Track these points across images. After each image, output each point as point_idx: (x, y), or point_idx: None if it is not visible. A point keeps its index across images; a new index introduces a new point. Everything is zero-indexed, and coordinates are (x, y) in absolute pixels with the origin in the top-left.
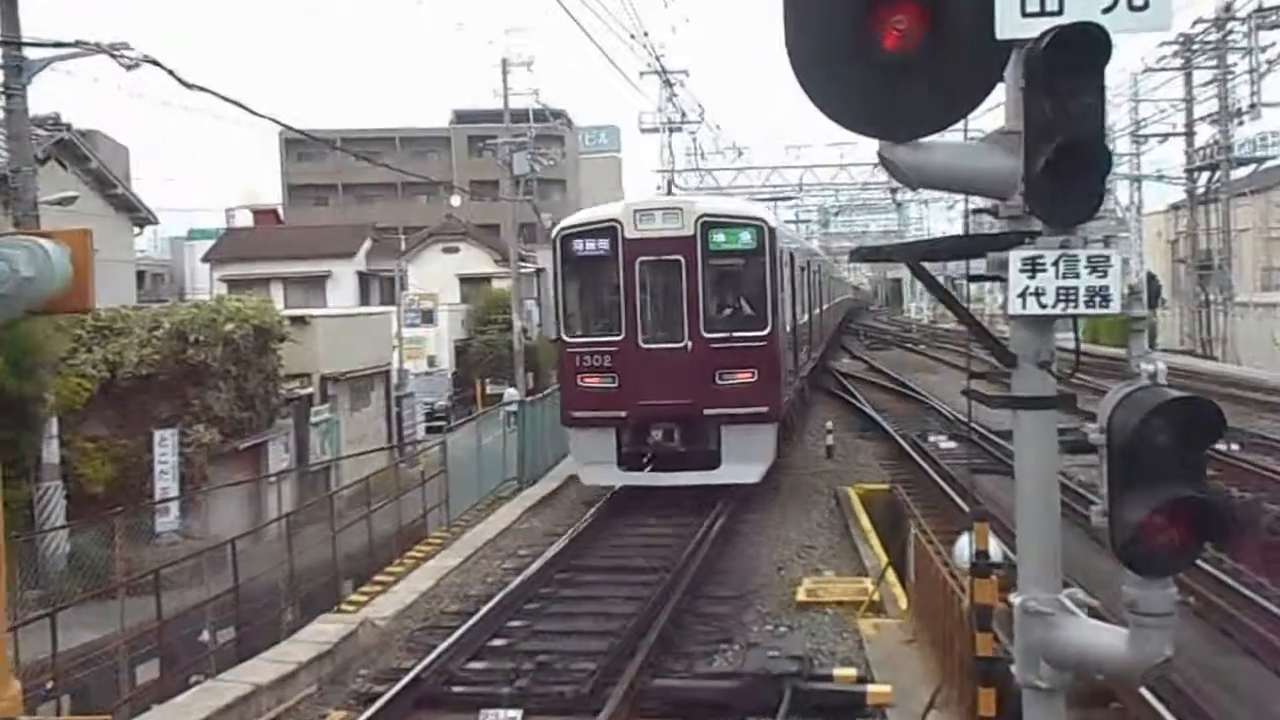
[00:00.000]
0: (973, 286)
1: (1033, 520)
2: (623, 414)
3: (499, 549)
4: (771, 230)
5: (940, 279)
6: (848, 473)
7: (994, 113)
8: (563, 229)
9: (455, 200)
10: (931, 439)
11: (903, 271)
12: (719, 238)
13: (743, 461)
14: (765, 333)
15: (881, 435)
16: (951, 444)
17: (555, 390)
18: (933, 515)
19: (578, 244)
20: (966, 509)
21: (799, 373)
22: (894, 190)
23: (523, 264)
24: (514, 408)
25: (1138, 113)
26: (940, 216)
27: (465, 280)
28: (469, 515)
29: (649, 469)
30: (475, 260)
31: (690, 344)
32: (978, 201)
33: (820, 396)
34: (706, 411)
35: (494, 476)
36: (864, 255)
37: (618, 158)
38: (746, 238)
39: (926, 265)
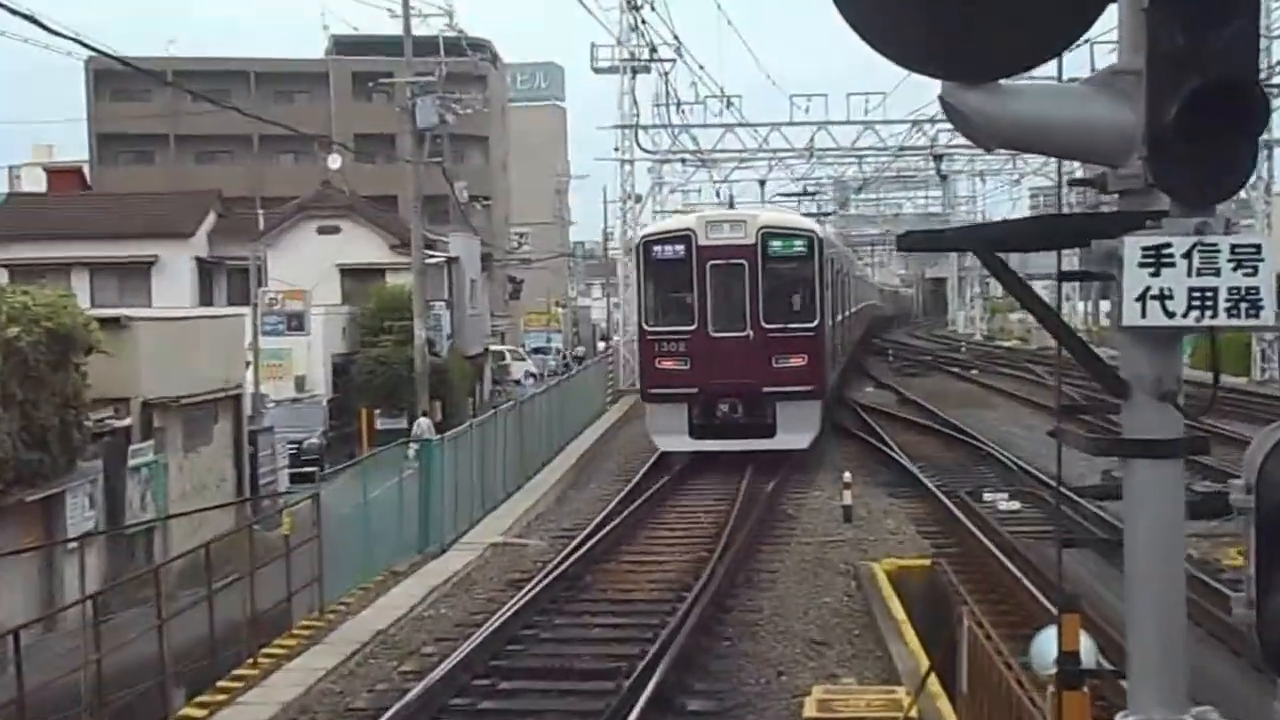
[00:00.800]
0: (1039, 290)
1: (1150, 610)
2: (695, 390)
3: (393, 645)
4: (821, 240)
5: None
6: (873, 543)
7: (1101, 47)
8: (645, 236)
9: (335, 161)
10: (988, 497)
11: (947, 269)
12: (776, 245)
13: (794, 431)
14: (814, 325)
15: (919, 492)
16: (1014, 504)
17: (475, 426)
18: (991, 602)
19: (657, 249)
20: (1040, 594)
21: (839, 360)
22: (938, 158)
23: (430, 252)
24: (431, 442)
25: (1270, 55)
26: (1001, 195)
27: (349, 273)
28: (352, 597)
29: (715, 438)
30: (363, 245)
31: (751, 333)
32: (1073, 169)
33: (832, 439)
34: (765, 389)
35: (387, 543)
36: (914, 243)
37: (560, 107)
38: (799, 245)
39: (1002, 257)
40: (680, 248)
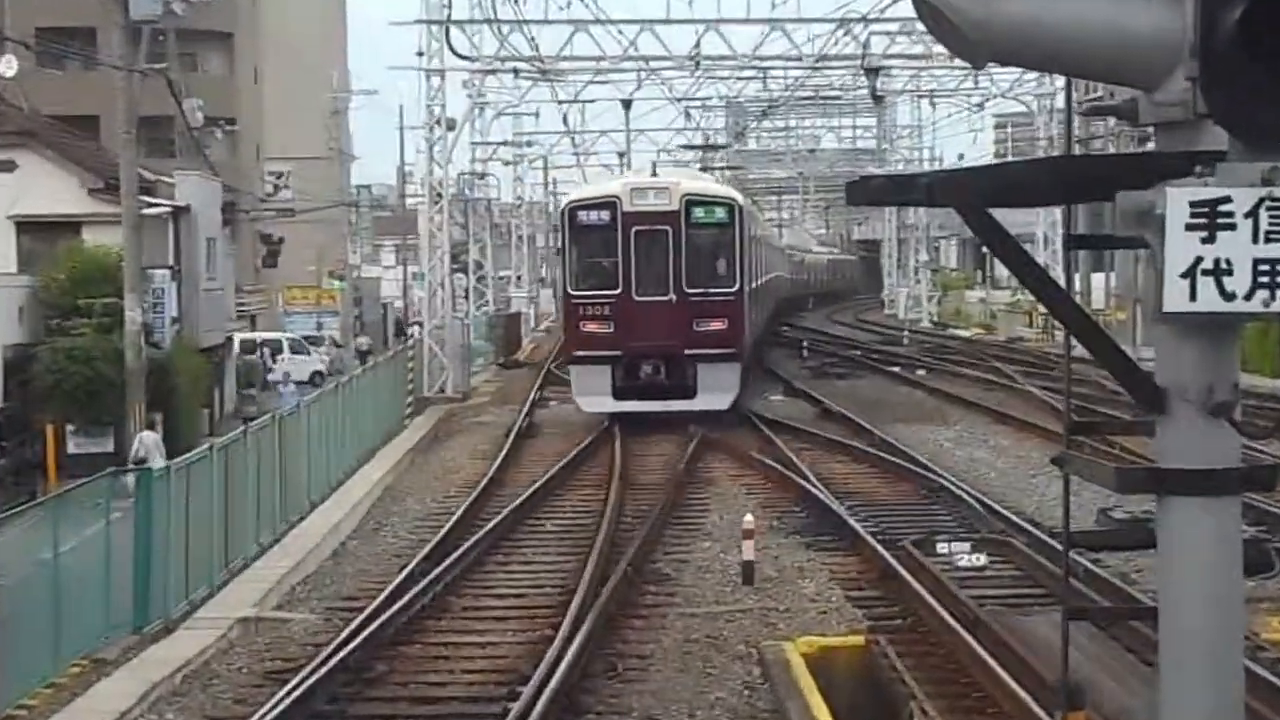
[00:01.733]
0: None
1: (1195, 706)
2: (618, 353)
3: None
4: (742, 208)
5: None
6: (785, 614)
7: None
8: (570, 202)
9: (6, 66)
10: (943, 549)
11: (879, 227)
12: (699, 212)
13: (715, 392)
14: (734, 290)
15: (847, 542)
16: (979, 558)
17: (216, 450)
18: (951, 696)
19: (582, 214)
20: (1018, 685)
21: (757, 325)
22: (871, 72)
23: (148, 199)
24: (150, 472)
25: None
26: (955, 125)
27: (28, 227)
28: (34, 699)
29: (637, 399)
30: (48, 188)
31: (674, 297)
32: (1089, 93)
33: (723, 461)
34: (686, 351)
35: (88, 619)
36: (871, 194)
37: None
38: (721, 213)
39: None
40: (605, 214)
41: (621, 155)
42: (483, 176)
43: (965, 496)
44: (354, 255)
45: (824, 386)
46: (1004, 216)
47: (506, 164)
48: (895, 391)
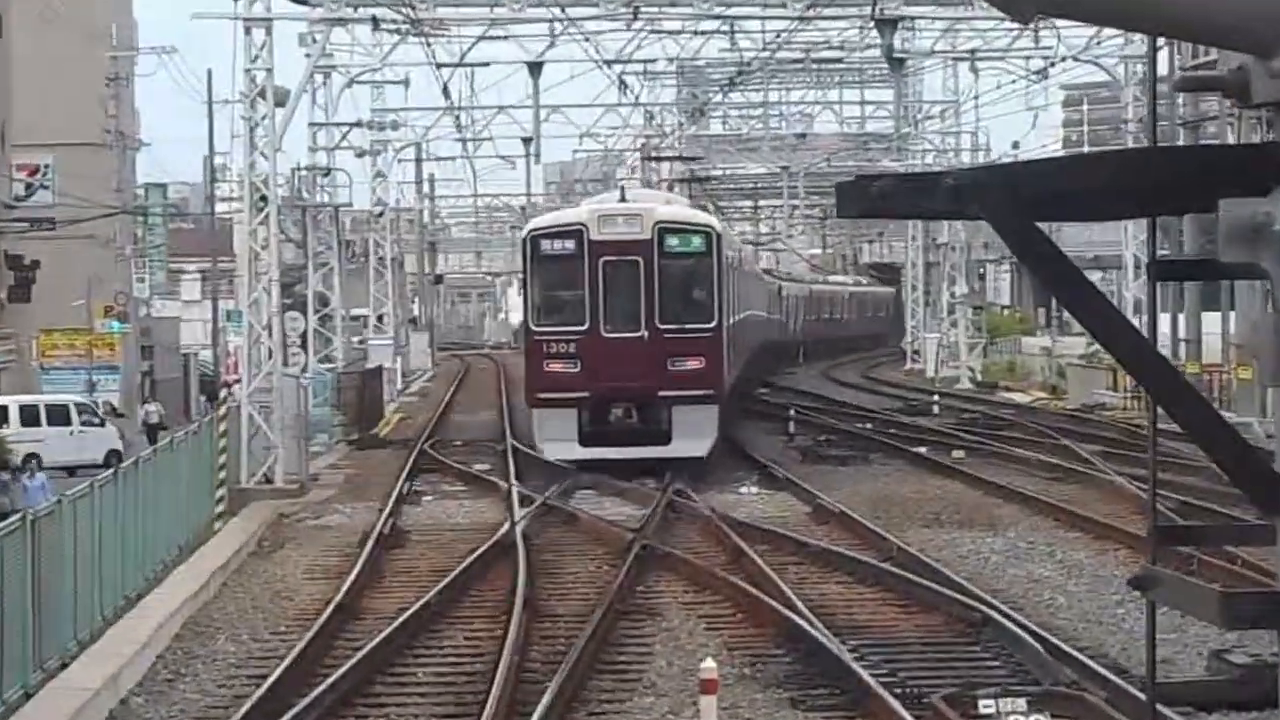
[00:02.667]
0: (1121, 296)
1: None
2: (585, 395)
3: None
4: (719, 236)
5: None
6: None
7: None
8: (532, 230)
9: None
10: (987, 706)
11: (896, 250)
12: (673, 241)
13: (691, 437)
14: (712, 325)
15: (852, 697)
16: None
17: None
18: None
19: (546, 244)
20: None
21: (741, 360)
22: (885, 25)
23: None
24: None
25: None
26: (1005, 101)
27: None
28: None
29: (606, 445)
30: None
31: (646, 334)
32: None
33: (674, 581)
34: (660, 393)
35: None
36: (875, 202)
37: None
38: (697, 242)
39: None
40: (570, 243)
41: (528, 142)
42: (328, 173)
43: (1020, 633)
44: (142, 286)
45: (819, 475)
46: (1075, 234)
47: (362, 154)
48: (922, 482)
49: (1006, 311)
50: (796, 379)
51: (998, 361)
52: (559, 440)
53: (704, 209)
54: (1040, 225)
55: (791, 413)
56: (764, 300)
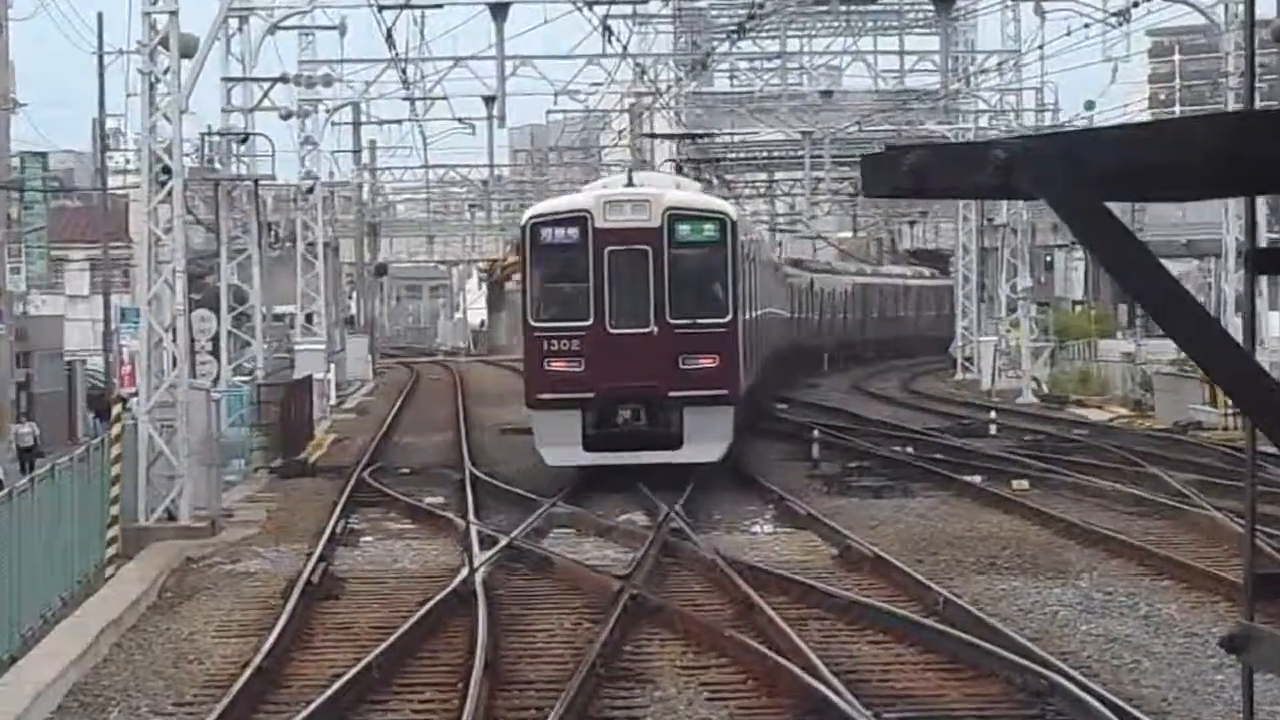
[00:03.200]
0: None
1: None
2: (589, 395)
3: None
4: (734, 223)
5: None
6: None
7: None
8: (532, 217)
9: None
10: None
11: (942, 233)
12: (684, 229)
13: (704, 441)
14: (726, 320)
15: None
16: None
17: None
18: None
19: (547, 232)
20: None
21: (756, 361)
22: None
23: None
24: None
25: None
26: (1083, 52)
27: None
28: None
29: (612, 450)
30: None
31: (656, 329)
32: None
33: (670, 641)
34: (670, 393)
35: None
36: (906, 177)
37: None
38: (710, 229)
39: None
40: (574, 231)
41: (491, 101)
42: (245, 139)
43: (1095, 704)
44: (16, 278)
45: (848, 510)
46: (1166, 214)
47: (287, 117)
48: (975, 519)
49: (1079, 309)
50: (821, 392)
51: (1068, 371)
52: (560, 444)
53: (709, 185)
54: (1113, 206)
55: (815, 433)
56: (784, 296)
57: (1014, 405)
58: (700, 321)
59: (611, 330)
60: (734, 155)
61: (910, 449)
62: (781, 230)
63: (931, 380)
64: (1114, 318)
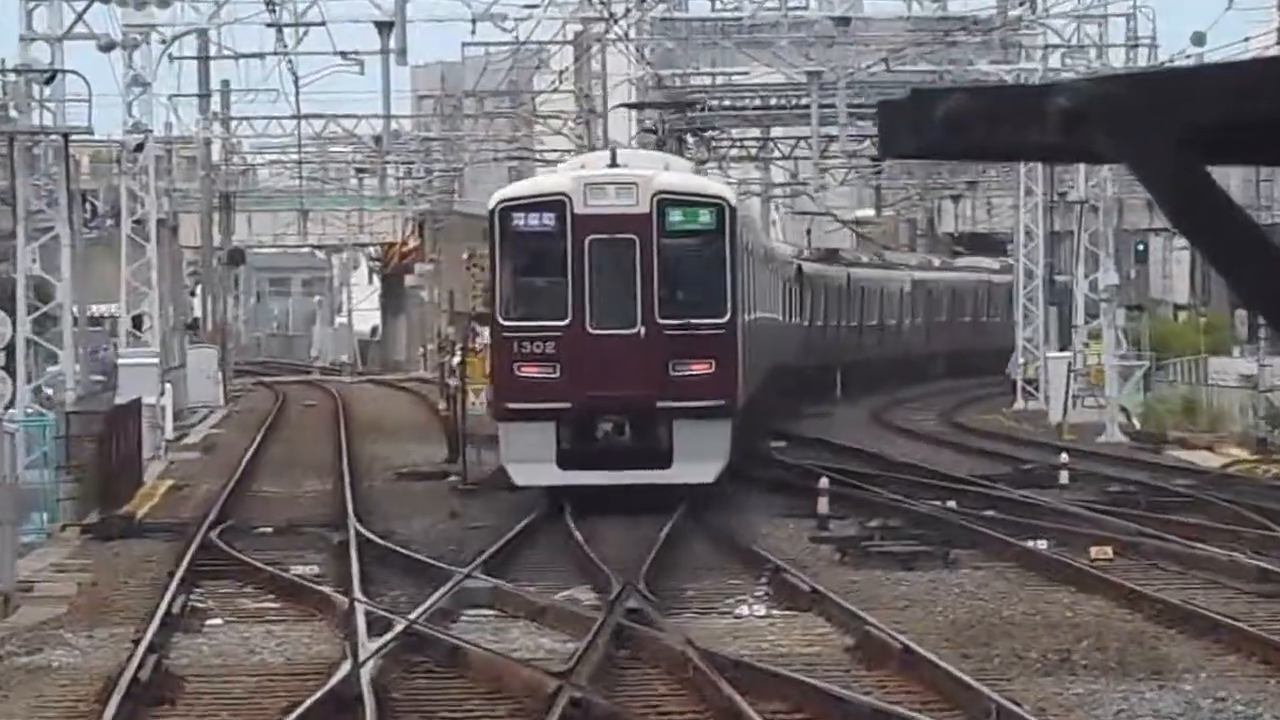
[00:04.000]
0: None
1: None
2: (566, 405)
3: None
4: (734, 210)
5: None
6: None
7: None
8: (501, 201)
9: None
10: None
11: (996, 211)
12: (677, 216)
13: (696, 460)
14: (724, 320)
15: None
16: None
17: None
18: None
19: (519, 218)
20: None
21: (756, 372)
22: None
23: None
24: None
25: None
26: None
27: None
28: None
29: (591, 468)
30: None
31: (643, 330)
32: None
33: None
34: (659, 404)
35: None
36: (936, 133)
37: None
38: (707, 216)
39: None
40: (550, 217)
41: (385, 29)
42: (51, 78)
43: None
44: None
45: (868, 585)
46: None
47: (109, 48)
48: (1040, 598)
49: (1183, 316)
50: (832, 424)
51: (1168, 399)
52: (531, 461)
53: (680, 145)
54: (1219, 173)
55: (824, 482)
56: (777, 294)
57: (1094, 445)
58: (694, 322)
59: (592, 331)
60: (716, 104)
61: (952, 503)
62: (780, 201)
63: (981, 410)
64: (1230, 328)
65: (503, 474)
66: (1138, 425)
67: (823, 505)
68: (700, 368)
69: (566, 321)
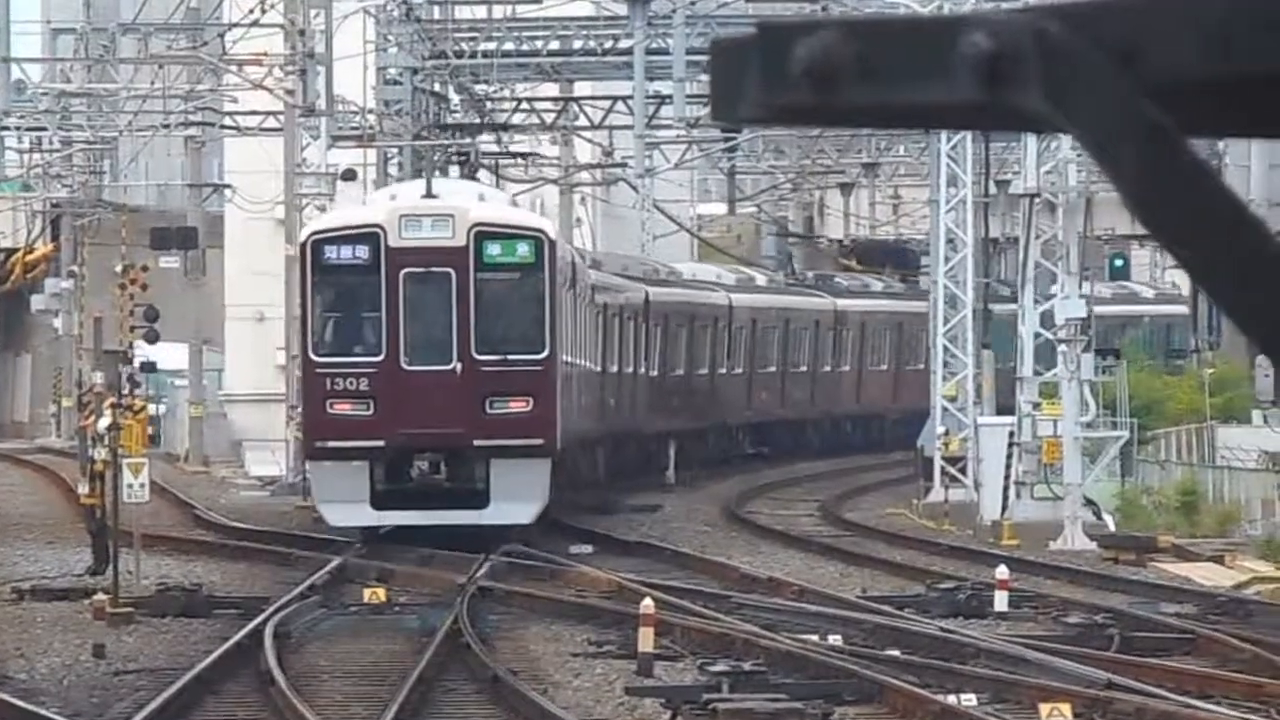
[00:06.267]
0: None
1: None
2: (380, 443)
3: None
4: (553, 243)
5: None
6: None
7: None
8: (314, 233)
9: None
10: None
11: (908, 214)
12: (494, 249)
13: (514, 500)
14: (542, 356)
15: None
16: None
17: None
18: None
19: (331, 251)
20: None
21: (578, 411)
22: None
23: None
24: None
25: None
26: None
27: None
28: None
29: (406, 508)
30: None
31: (460, 367)
32: None
33: None
34: (476, 442)
35: None
36: (800, 85)
37: None
38: (525, 250)
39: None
40: (363, 250)
41: None
42: None
43: None
44: None
45: None
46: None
47: None
48: None
49: (1179, 363)
50: (662, 523)
51: (1157, 485)
52: (344, 502)
53: (441, 102)
54: (1196, 143)
55: (648, 605)
56: (592, 332)
57: (1046, 555)
58: (512, 358)
59: (407, 367)
60: (494, 46)
61: (837, 638)
62: (588, 193)
63: (883, 501)
64: (1249, 383)
65: (170, 593)
66: (1111, 526)
67: (646, 640)
68: (518, 405)
69: (380, 357)
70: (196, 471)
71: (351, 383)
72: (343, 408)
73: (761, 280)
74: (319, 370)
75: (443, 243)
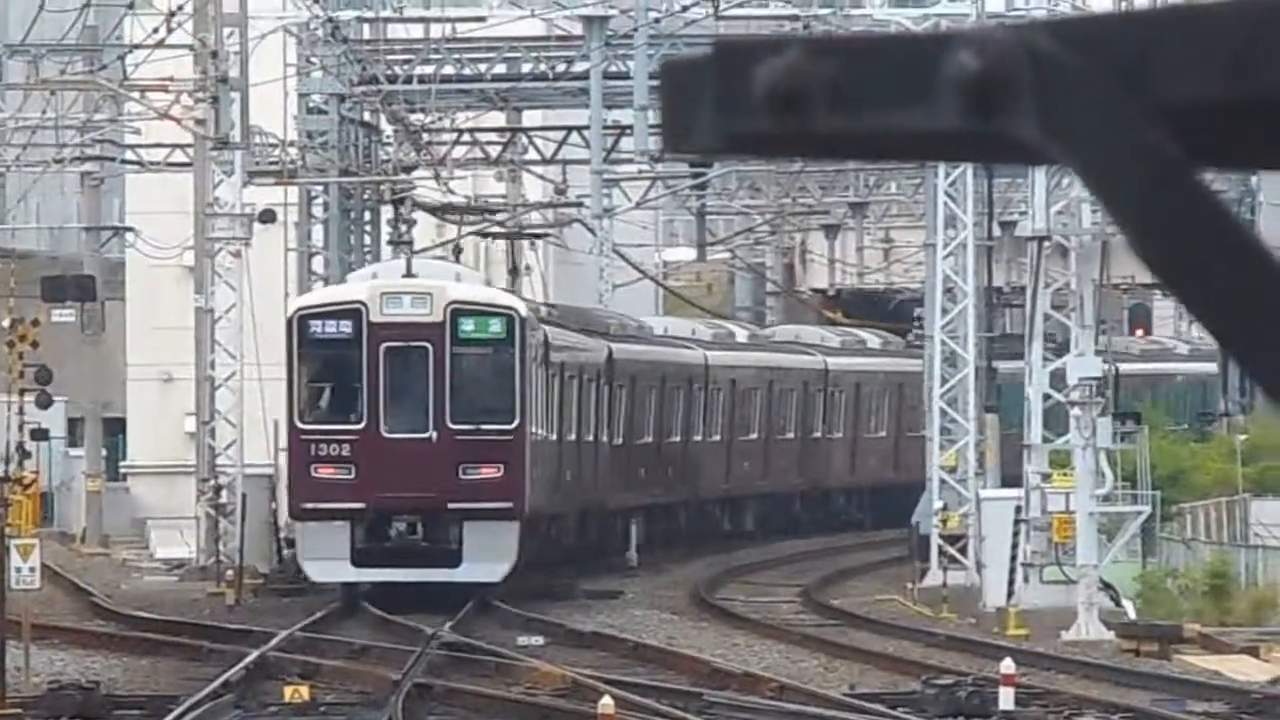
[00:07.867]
0: None
1: None
2: (360, 505)
3: None
4: (524, 320)
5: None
6: None
7: None
8: (300, 309)
9: None
10: None
11: (901, 260)
12: (469, 325)
13: (485, 560)
14: (512, 426)
15: None
16: None
17: None
18: None
19: (316, 326)
20: None
21: (546, 479)
22: None
23: None
24: None
25: None
26: None
27: None
28: None
29: (384, 566)
30: None
31: (435, 435)
32: None
33: None
34: (450, 505)
35: None
36: (760, 112)
37: None
38: (497, 326)
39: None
40: (347, 325)
41: None
42: None
43: None
44: None
45: None
46: None
47: None
48: None
49: (1209, 427)
50: (624, 613)
51: (1184, 567)
52: (326, 559)
53: (366, 140)
54: (1210, 177)
55: (604, 704)
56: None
57: (1058, 647)
58: (484, 427)
59: (386, 435)
60: (431, 70)
61: None
62: (530, 234)
63: (873, 585)
64: None
65: (64, 692)
66: (1131, 613)
67: None
68: (489, 471)
69: (361, 425)
70: (94, 553)
71: (335, 448)
72: (326, 471)
73: (742, 336)
74: (304, 437)
75: (421, 319)
